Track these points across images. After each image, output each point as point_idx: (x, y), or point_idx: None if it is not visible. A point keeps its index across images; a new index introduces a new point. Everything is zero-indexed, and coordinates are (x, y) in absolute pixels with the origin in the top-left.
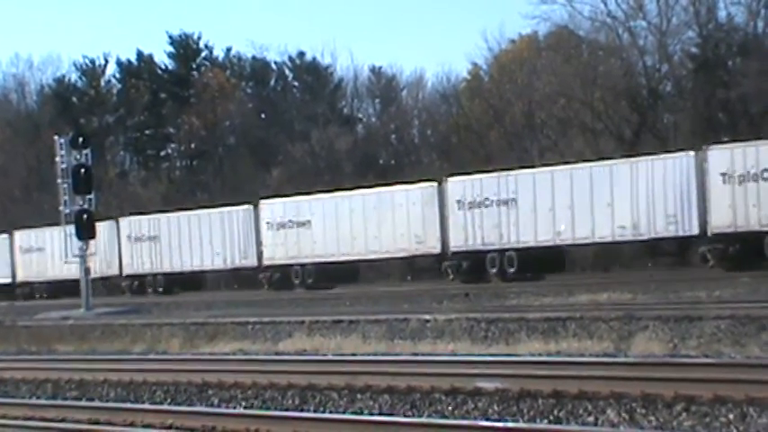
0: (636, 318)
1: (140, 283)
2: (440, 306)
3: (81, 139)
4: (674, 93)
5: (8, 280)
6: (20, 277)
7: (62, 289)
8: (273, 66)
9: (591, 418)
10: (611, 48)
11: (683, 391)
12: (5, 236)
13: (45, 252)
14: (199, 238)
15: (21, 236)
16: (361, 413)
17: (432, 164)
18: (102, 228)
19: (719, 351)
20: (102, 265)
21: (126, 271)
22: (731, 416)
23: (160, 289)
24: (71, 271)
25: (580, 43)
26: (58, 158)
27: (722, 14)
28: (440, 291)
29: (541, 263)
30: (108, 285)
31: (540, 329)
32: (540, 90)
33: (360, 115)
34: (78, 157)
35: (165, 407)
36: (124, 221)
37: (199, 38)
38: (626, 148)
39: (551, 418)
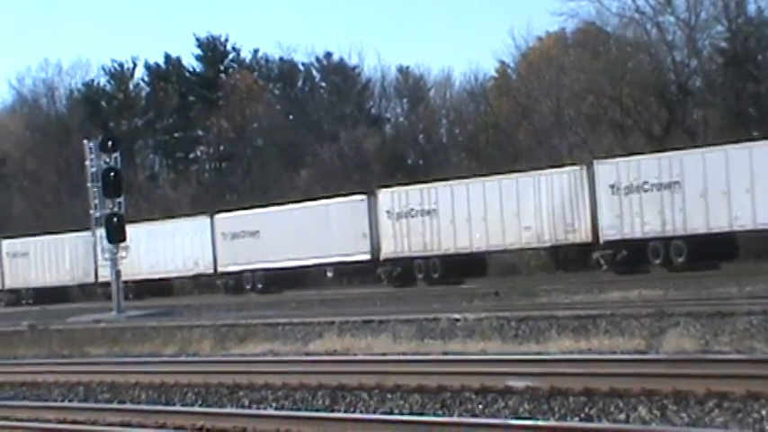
0: (667, 314)
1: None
2: (470, 305)
3: (110, 143)
4: (704, 88)
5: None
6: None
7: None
8: (301, 67)
9: (622, 416)
10: (639, 43)
11: (715, 387)
12: None
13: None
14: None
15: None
16: (392, 413)
17: (460, 163)
18: (190, 225)
19: (752, 347)
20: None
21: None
22: (764, 412)
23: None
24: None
25: (608, 39)
26: (87, 162)
27: (751, 8)
28: (469, 290)
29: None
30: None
31: (571, 327)
32: (568, 87)
33: (388, 115)
34: (108, 160)
35: (196, 408)
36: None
37: (226, 40)
38: (655, 144)
39: (582, 415)
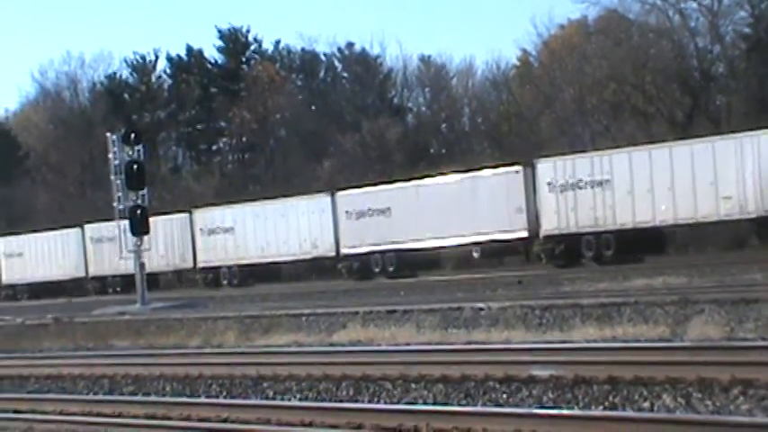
0: (692, 302)
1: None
2: (494, 294)
3: (133, 135)
4: (727, 74)
5: None
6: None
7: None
8: (323, 57)
9: (647, 404)
10: (661, 30)
11: (740, 374)
12: None
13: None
14: None
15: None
16: (416, 403)
17: (483, 152)
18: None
19: None
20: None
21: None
22: None
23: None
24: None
25: (630, 26)
26: (110, 155)
27: None
28: (493, 279)
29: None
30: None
31: (595, 315)
32: (590, 75)
33: (410, 105)
34: (131, 153)
35: (220, 400)
36: None
37: (248, 31)
38: (679, 131)
39: (606, 404)
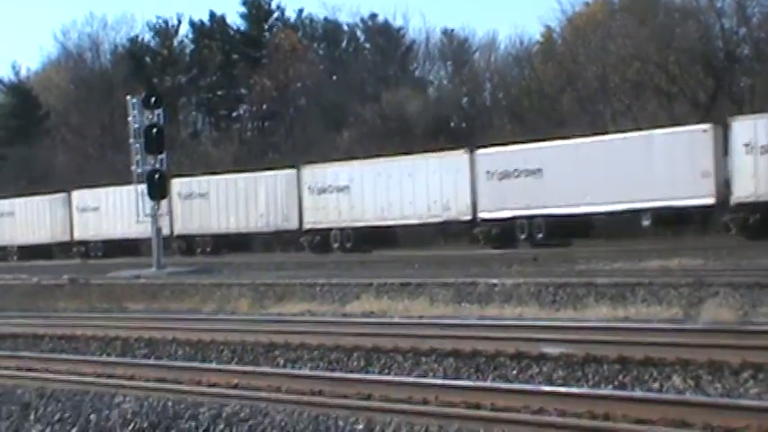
0: (706, 284)
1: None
2: (509, 270)
3: (153, 99)
4: (752, 56)
5: None
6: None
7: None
8: (345, 27)
9: (656, 385)
10: (687, 10)
11: (751, 358)
12: None
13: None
14: None
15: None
16: (426, 376)
17: (503, 127)
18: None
19: None
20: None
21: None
22: None
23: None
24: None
25: (656, 5)
26: (130, 118)
27: None
28: (509, 255)
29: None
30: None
31: (609, 295)
32: (614, 53)
33: (431, 78)
34: (150, 116)
35: (231, 366)
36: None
37: None
38: (701, 113)
39: (616, 383)
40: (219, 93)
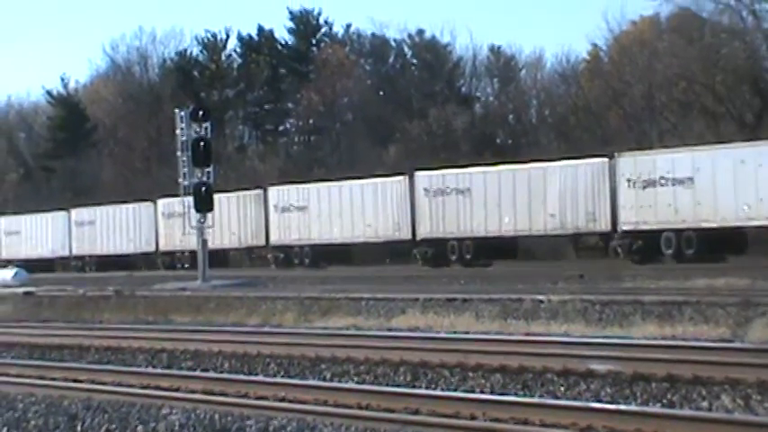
0: (754, 303)
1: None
2: (554, 287)
3: (201, 113)
4: None
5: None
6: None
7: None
8: (393, 43)
9: (705, 404)
10: (734, 30)
11: None
12: None
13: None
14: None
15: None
16: (473, 392)
17: (549, 144)
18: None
19: None
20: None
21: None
22: None
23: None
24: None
25: (703, 25)
26: (178, 131)
27: None
28: (555, 271)
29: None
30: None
31: (656, 313)
32: (660, 72)
33: (478, 94)
34: (198, 130)
35: (278, 379)
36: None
37: (319, 14)
38: (747, 132)
39: (664, 402)
40: (266, 107)
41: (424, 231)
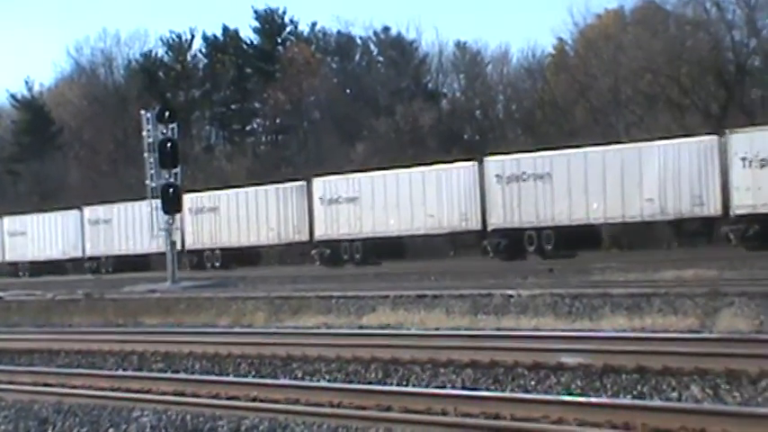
0: (721, 294)
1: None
2: (524, 281)
3: (167, 114)
4: (763, 68)
5: None
6: None
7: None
8: (358, 41)
9: (674, 394)
10: (698, 22)
11: None
12: None
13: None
14: None
15: None
16: (444, 387)
17: (516, 139)
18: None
19: None
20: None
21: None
22: None
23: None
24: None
25: (667, 18)
26: (144, 133)
27: None
28: (524, 267)
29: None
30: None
31: (625, 305)
32: (625, 65)
33: (444, 90)
34: (164, 131)
35: (249, 379)
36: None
37: (284, 13)
38: (713, 124)
39: (635, 393)
40: (233, 107)
41: (496, 221)
